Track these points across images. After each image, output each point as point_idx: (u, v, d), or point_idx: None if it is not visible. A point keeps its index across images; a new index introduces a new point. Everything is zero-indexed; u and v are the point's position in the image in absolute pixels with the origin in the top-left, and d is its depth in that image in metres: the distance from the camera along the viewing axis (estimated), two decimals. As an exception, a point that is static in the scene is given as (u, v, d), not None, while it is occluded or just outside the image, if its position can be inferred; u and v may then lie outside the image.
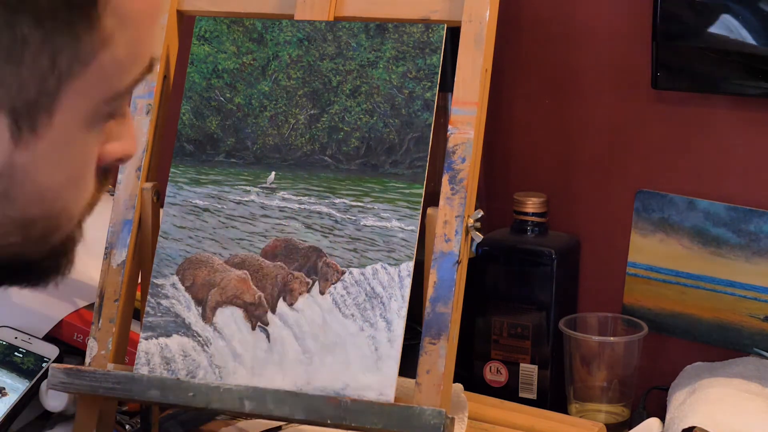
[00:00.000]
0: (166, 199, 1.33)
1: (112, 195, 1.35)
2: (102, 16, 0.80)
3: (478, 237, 1.23)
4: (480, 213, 1.23)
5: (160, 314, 1.30)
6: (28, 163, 0.84)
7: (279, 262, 1.28)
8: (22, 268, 0.92)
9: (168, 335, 1.29)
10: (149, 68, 0.86)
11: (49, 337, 1.48)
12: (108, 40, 0.82)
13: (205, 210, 1.32)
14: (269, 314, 1.27)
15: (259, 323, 1.27)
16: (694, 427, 1.32)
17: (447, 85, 1.38)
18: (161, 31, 1.37)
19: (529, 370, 1.55)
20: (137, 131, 1.35)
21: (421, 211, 1.25)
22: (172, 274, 1.30)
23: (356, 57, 1.31)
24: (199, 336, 1.28)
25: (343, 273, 1.26)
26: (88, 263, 1.60)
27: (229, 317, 1.28)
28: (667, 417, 1.40)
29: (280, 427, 1.38)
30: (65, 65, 0.81)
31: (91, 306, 1.50)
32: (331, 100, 1.31)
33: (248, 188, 1.32)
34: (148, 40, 0.86)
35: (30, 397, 1.41)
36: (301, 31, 1.33)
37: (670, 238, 1.54)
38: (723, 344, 1.53)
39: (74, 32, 0.80)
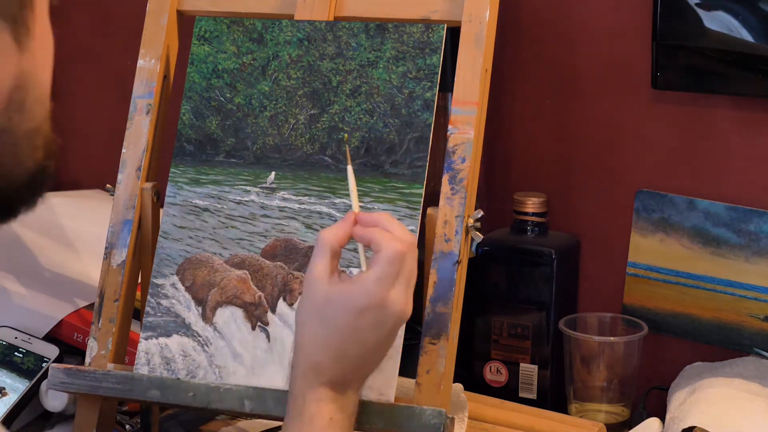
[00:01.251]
0: (166, 199, 1.33)
1: (112, 195, 1.35)
2: None
3: (478, 237, 1.23)
4: (480, 213, 1.23)
5: (160, 314, 1.30)
6: (31, 68, 0.82)
7: (279, 262, 1.28)
8: (30, 185, 0.87)
9: (168, 335, 1.29)
10: None
11: (49, 337, 1.48)
12: None
13: (205, 210, 1.32)
14: (269, 314, 1.27)
15: (259, 323, 1.27)
16: (694, 427, 1.32)
17: (447, 85, 1.38)
18: (161, 31, 1.37)
19: (529, 370, 1.55)
20: (137, 131, 1.35)
21: (421, 211, 1.25)
22: (172, 274, 1.30)
23: (356, 57, 1.31)
24: (199, 336, 1.28)
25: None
26: (88, 263, 1.60)
27: (229, 317, 1.28)
28: (667, 417, 1.40)
29: (280, 427, 1.38)
30: None
31: (91, 306, 1.50)
32: (331, 100, 1.31)
33: (248, 188, 1.32)
34: None
35: (30, 397, 1.41)
36: (301, 31, 1.33)
37: (670, 238, 1.54)
38: (723, 344, 1.53)
39: None
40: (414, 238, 1.14)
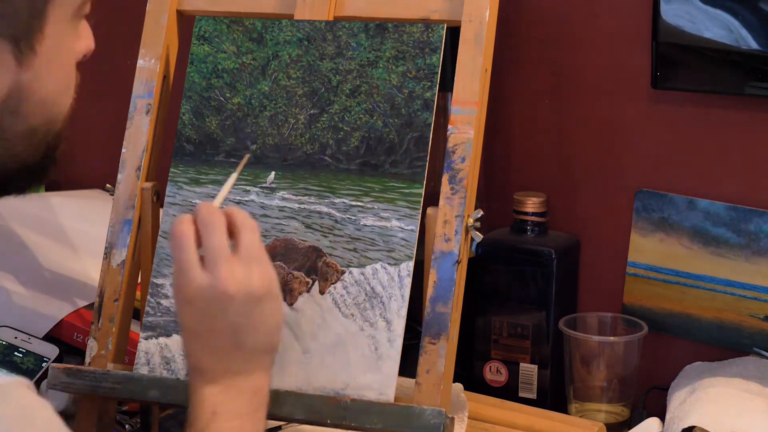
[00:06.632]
0: (166, 199, 1.33)
1: (112, 195, 1.35)
2: None
3: (478, 237, 1.23)
4: (480, 213, 1.24)
5: (160, 314, 1.30)
6: (31, 79, 0.98)
7: (279, 262, 1.28)
8: (25, 174, 1.04)
9: (168, 335, 1.29)
10: None
11: (49, 337, 1.48)
12: None
13: (205, 210, 1.32)
14: (269, 314, 1.26)
15: (259, 323, 1.27)
16: (694, 427, 1.33)
17: (447, 85, 1.38)
18: (161, 31, 1.37)
19: (529, 370, 1.55)
20: (137, 131, 1.35)
21: (421, 210, 1.25)
22: (172, 273, 1.30)
23: (356, 57, 1.31)
24: (199, 336, 1.28)
25: (342, 273, 1.26)
26: (88, 263, 1.60)
27: (229, 317, 1.28)
28: (667, 417, 1.40)
29: (280, 427, 1.38)
30: None
31: (91, 306, 1.50)
32: (330, 100, 1.31)
33: (248, 188, 1.32)
34: None
35: (30, 397, 1.41)
36: (300, 30, 1.33)
37: (670, 238, 1.54)
38: (723, 344, 1.53)
39: None
40: (208, 211, 1.12)
